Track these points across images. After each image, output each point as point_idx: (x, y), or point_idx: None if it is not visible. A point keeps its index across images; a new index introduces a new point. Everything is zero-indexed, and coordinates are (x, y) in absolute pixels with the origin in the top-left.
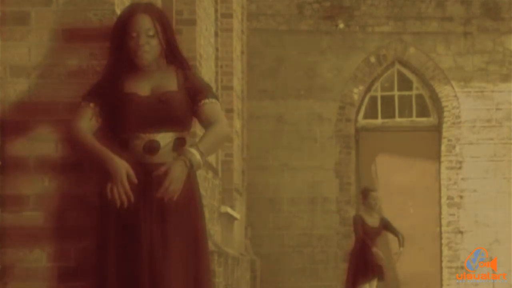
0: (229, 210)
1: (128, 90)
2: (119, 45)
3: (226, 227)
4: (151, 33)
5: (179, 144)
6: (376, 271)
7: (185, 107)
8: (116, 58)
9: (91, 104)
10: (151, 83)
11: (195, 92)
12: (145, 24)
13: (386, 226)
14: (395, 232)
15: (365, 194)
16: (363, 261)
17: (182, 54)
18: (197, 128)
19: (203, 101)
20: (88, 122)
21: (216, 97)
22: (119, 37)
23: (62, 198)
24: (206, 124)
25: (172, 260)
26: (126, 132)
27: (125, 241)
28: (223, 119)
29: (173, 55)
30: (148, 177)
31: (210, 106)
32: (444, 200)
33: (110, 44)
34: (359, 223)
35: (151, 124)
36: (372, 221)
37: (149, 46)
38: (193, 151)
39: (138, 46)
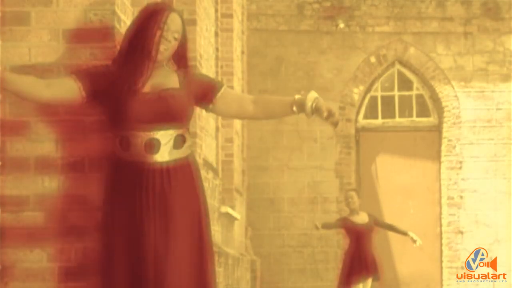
0: (229, 210)
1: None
2: (144, 28)
3: (226, 227)
4: (176, 36)
5: (180, 141)
6: (370, 270)
7: (186, 103)
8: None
9: (73, 76)
10: (152, 80)
11: (205, 88)
12: (177, 26)
13: (376, 221)
14: (388, 227)
15: (345, 196)
16: (357, 260)
17: (188, 61)
18: (197, 128)
19: (219, 93)
20: (55, 86)
21: (223, 84)
22: (148, 21)
23: (62, 198)
24: (235, 107)
25: (176, 259)
26: (127, 130)
27: (129, 240)
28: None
29: (178, 61)
30: (150, 175)
31: (228, 91)
32: (444, 200)
33: (135, 26)
34: (342, 224)
35: (151, 122)
36: (361, 218)
37: (170, 45)
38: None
39: (163, 40)
